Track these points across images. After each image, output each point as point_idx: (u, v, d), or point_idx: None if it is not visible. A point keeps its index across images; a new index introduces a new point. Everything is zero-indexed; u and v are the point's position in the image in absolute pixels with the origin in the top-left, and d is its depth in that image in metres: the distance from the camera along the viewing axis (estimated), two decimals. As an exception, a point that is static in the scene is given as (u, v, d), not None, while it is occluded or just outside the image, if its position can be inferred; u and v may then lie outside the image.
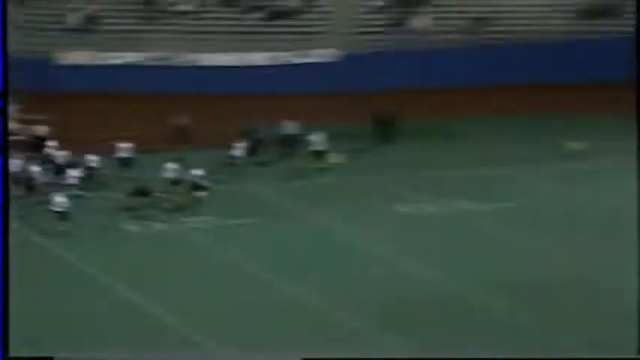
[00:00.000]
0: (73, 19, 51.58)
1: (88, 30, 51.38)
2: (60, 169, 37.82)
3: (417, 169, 40.70)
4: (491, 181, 39.38)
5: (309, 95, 48.18)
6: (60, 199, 34.21)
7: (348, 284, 29.88)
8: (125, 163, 38.71)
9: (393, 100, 45.95)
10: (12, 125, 39.94)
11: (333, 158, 41.55)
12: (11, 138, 36.90)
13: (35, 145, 39.85)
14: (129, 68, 49.81)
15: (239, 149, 39.88)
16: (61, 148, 39.13)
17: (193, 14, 52.73)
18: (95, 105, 45.85)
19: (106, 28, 51.42)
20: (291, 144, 41.04)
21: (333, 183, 40.04)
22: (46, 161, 38.88)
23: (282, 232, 34.37)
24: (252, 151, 39.97)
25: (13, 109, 41.63)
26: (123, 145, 39.47)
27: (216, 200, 36.09)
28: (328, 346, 25.12)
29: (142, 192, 35.66)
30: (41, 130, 41.18)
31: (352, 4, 54.25)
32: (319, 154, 41.10)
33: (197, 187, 36.48)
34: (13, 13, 48.45)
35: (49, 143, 40.25)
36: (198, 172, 36.70)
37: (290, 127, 41.58)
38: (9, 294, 20.82)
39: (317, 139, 41.03)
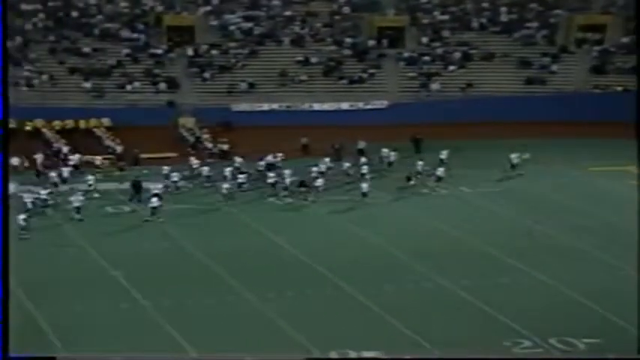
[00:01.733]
0: (241, 86, 64.36)
1: (247, 92, 63.94)
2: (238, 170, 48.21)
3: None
4: (480, 176, 49.14)
5: (375, 125, 58.75)
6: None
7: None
8: (272, 167, 48.56)
9: (417, 128, 55.86)
10: (207, 143, 54.82)
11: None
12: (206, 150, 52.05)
13: (222, 155, 52.96)
14: (270, 112, 62.46)
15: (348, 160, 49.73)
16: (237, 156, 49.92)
17: (307, 81, 65.43)
18: (253, 132, 56.61)
19: (256, 90, 63.98)
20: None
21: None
22: (231, 166, 48.19)
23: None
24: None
25: (205, 135, 56.06)
26: (277, 154, 49.78)
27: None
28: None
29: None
30: (224, 146, 54.06)
31: (394, 74, 66.00)
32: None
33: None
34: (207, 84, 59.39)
35: (236, 156, 49.80)
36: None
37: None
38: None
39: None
